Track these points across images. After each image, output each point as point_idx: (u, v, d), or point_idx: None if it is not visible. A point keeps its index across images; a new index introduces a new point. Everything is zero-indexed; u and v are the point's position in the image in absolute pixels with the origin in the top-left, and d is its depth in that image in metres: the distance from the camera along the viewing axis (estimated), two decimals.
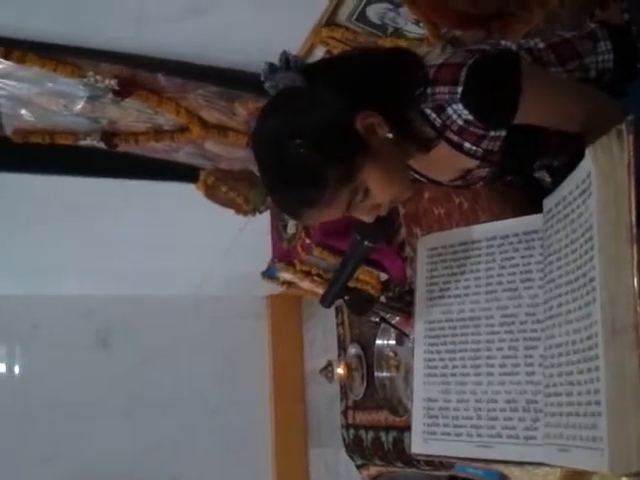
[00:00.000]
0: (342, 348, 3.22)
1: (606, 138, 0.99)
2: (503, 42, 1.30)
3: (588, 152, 1.03)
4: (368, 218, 1.22)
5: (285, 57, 1.14)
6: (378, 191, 1.17)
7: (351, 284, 1.77)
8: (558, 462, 1.09)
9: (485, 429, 1.27)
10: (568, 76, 1.27)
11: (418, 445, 1.38)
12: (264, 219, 3.31)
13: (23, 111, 2.56)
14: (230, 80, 2.41)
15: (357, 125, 1.13)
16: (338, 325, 3.33)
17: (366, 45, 2.11)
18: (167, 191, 3.35)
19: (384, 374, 2.56)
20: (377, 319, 1.49)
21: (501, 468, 1.33)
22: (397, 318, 1.59)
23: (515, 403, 1.23)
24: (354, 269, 1.35)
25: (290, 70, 1.15)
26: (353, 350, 3.01)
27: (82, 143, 2.74)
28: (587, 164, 1.04)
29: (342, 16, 2.13)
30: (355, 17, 2.13)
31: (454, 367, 1.35)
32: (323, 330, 4.54)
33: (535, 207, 1.27)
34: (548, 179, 1.37)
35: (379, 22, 2.13)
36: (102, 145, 2.75)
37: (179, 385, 4.90)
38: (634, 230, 0.90)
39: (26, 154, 2.85)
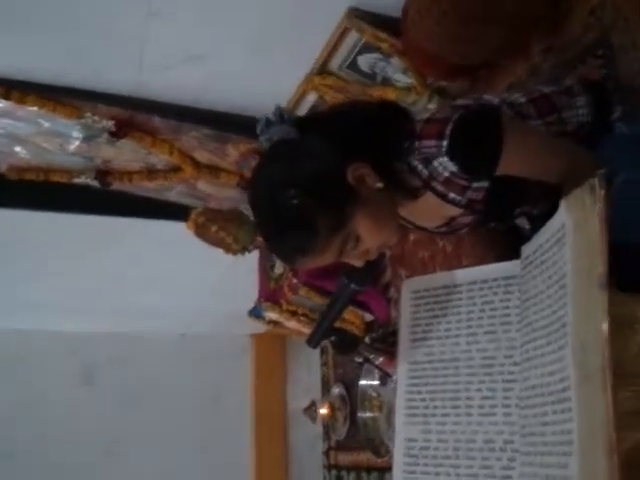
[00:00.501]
0: (326, 388, 3.24)
1: (580, 191, 1.04)
2: (486, 96, 1.37)
3: (562, 204, 1.09)
4: (358, 263, 1.27)
5: (279, 111, 1.21)
6: (368, 238, 1.23)
7: (337, 324, 1.81)
8: None
9: (463, 468, 1.30)
10: (547, 129, 1.34)
11: None
12: (251, 258, 3.35)
13: (18, 148, 2.59)
14: (224, 123, 2.48)
15: (348, 176, 1.19)
16: (322, 365, 3.36)
17: (357, 98, 2.18)
18: (154, 229, 3.37)
19: (367, 414, 2.58)
20: (361, 359, 1.53)
21: None
22: (381, 359, 1.63)
23: (492, 443, 1.27)
24: (340, 311, 1.40)
25: (284, 123, 1.21)
26: (337, 390, 3.03)
27: (76, 181, 2.77)
28: (561, 215, 1.10)
29: (334, 64, 2.21)
30: (346, 65, 2.21)
31: (435, 407, 1.39)
32: (307, 370, 4.49)
33: (515, 252, 1.33)
34: (527, 226, 1.44)
35: (369, 71, 2.20)
36: (96, 183, 2.79)
37: (163, 422, 4.84)
38: (604, 278, 0.96)
39: (14, 190, 2.89)
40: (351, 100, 2.10)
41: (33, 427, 4.60)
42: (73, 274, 3.85)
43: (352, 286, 1.33)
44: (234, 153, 2.58)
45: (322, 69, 2.22)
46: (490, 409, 1.29)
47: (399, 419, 1.44)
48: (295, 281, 2.50)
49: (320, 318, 1.44)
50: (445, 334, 1.42)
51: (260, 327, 5.06)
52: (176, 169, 2.70)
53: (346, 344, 1.45)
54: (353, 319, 2.64)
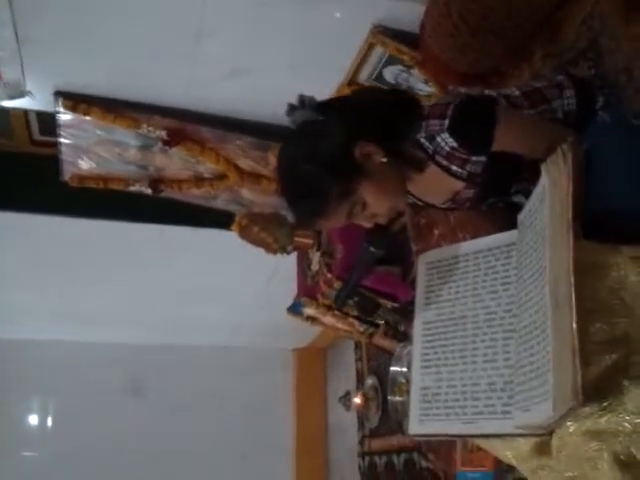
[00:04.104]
0: (360, 381, 3.44)
1: (555, 155, 1.28)
2: (486, 91, 1.60)
3: (542, 167, 1.32)
4: (368, 224, 1.52)
5: (301, 98, 1.47)
6: (373, 204, 1.48)
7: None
8: (522, 422, 1.31)
9: (470, 408, 1.49)
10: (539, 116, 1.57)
11: (414, 427, 1.61)
12: (290, 269, 3.56)
13: (82, 158, 2.90)
14: (264, 132, 2.74)
15: (356, 153, 1.44)
16: (356, 361, 3.55)
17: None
18: (202, 239, 3.62)
19: (397, 398, 2.76)
20: (382, 321, 1.75)
21: (483, 442, 1.55)
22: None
23: (494, 385, 1.45)
24: (362, 273, 1.62)
25: (305, 108, 1.47)
26: (370, 381, 3.23)
27: (131, 189, 3.06)
28: (543, 178, 1.32)
29: (363, 76, 2.45)
30: (374, 77, 2.45)
31: (446, 359, 1.59)
32: (346, 382, 4.67)
33: (515, 226, 1.54)
34: (525, 202, 1.64)
35: (394, 81, 2.45)
36: (149, 191, 3.07)
37: (207, 433, 5.03)
38: (571, 223, 1.17)
39: (69, 199, 3.16)
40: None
41: (83, 438, 4.83)
42: (120, 286, 4.09)
43: (371, 249, 1.55)
44: (274, 161, 2.82)
45: (352, 81, 2.47)
46: (493, 356, 1.49)
47: (415, 371, 1.65)
48: (330, 275, 2.71)
49: (345, 281, 1.66)
50: (454, 296, 1.63)
51: (301, 341, 5.31)
52: (221, 177, 2.97)
53: (368, 306, 1.67)
54: None
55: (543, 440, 1.31)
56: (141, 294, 4.27)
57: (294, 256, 3.33)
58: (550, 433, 1.27)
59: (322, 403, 5.37)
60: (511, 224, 1.57)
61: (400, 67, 2.36)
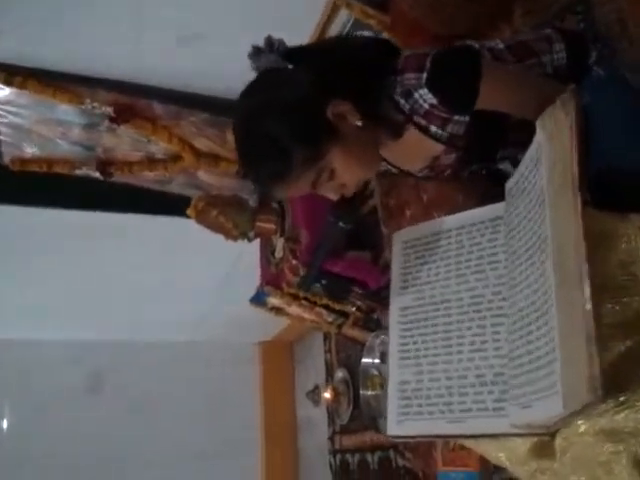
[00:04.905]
0: (329, 374, 3.26)
1: (552, 107, 1.09)
2: (468, 42, 1.41)
3: (538, 123, 1.13)
4: (334, 196, 1.31)
5: (269, 40, 1.25)
6: (344, 173, 1.27)
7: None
8: (521, 420, 1.12)
9: (456, 405, 1.30)
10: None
11: (393, 427, 1.40)
12: (254, 257, 3.37)
13: (23, 140, 2.66)
14: (222, 108, 2.52)
15: (328, 112, 1.23)
16: (325, 352, 3.37)
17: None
18: (159, 227, 3.41)
19: (369, 393, 2.59)
20: (353, 308, 1.55)
21: (473, 443, 1.36)
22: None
23: (484, 377, 1.27)
24: (330, 250, 1.42)
25: (273, 53, 1.25)
26: (340, 374, 3.05)
27: (78, 172, 2.82)
28: (538, 137, 1.14)
29: None
30: None
31: (426, 349, 1.40)
32: (315, 375, 4.54)
33: (501, 197, 1.36)
34: (512, 170, 1.46)
35: None
36: (97, 175, 2.83)
37: (170, 431, 4.89)
38: (577, 181, 0.99)
39: (13, 185, 2.90)
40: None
41: (41, 437, 4.65)
42: (76, 280, 3.86)
43: (340, 224, 1.35)
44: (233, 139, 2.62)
45: None
46: (481, 345, 1.30)
47: (392, 364, 1.45)
48: (295, 262, 2.51)
49: (312, 260, 1.46)
50: (435, 278, 1.44)
51: (266, 334, 5.14)
52: (175, 158, 2.75)
53: (338, 289, 1.48)
54: None
55: (543, 440, 1.13)
56: (98, 288, 4.05)
57: (258, 243, 3.14)
58: (552, 433, 1.08)
59: (290, 398, 5.22)
60: (495, 196, 1.39)
61: (368, 33, 2.16)
